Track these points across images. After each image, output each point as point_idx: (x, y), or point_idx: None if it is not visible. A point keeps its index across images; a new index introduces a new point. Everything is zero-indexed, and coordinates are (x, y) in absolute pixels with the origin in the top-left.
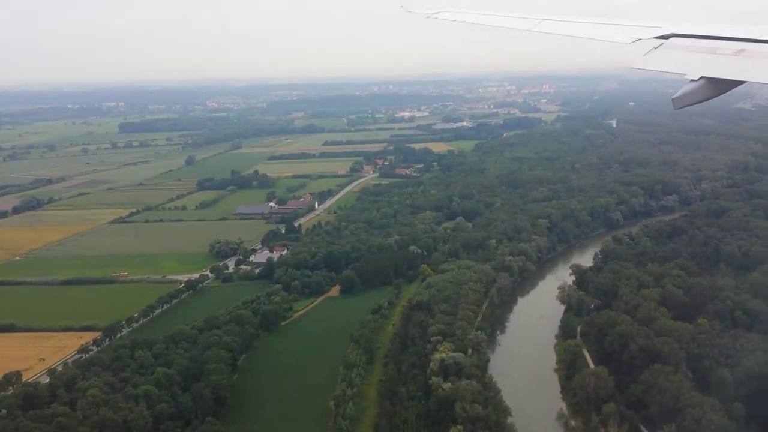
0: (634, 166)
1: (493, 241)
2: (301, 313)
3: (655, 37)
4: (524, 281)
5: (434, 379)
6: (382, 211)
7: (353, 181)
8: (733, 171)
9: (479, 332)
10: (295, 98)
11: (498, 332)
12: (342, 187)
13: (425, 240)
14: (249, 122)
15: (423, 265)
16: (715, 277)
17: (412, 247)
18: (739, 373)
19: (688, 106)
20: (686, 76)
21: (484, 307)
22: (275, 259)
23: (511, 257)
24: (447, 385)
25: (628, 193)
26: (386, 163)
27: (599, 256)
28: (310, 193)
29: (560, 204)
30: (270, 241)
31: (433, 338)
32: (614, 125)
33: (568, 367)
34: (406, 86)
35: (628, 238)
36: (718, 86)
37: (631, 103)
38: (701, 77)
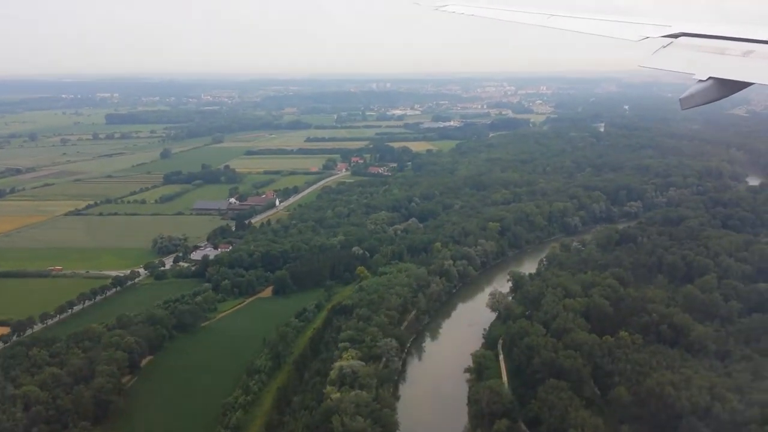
0: (606, 170)
1: (438, 245)
2: (225, 314)
3: (663, 36)
4: (465, 286)
5: (329, 388)
6: (336, 210)
7: (323, 179)
8: (705, 178)
9: (390, 339)
10: (290, 94)
11: (422, 340)
12: (310, 184)
13: (371, 241)
14: (237, 116)
15: (359, 267)
16: (648, 289)
17: (355, 248)
18: (641, 392)
19: (696, 106)
20: (694, 76)
21: (413, 313)
22: (211, 257)
23: (450, 261)
24: (336, 395)
25: (590, 199)
26: (361, 162)
27: (544, 263)
28: (274, 190)
29: (516, 208)
30: (215, 238)
31: (341, 344)
32: (601, 129)
33: (477, 379)
34: (405, 84)
35: (581, 245)
36: (726, 87)
37: (626, 107)
38: (709, 78)
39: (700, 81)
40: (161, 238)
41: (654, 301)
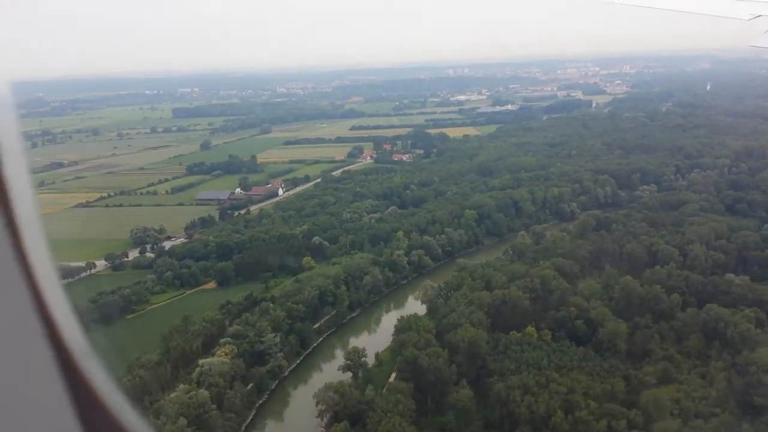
0: (638, 152)
1: (400, 233)
2: (156, 306)
3: None
4: (420, 278)
5: (183, 386)
6: (322, 199)
7: (344, 167)
8: (743, 158)
9: (275, 336)
10: (363, 83)
11: (339, 336)
12: (326, 172)
13: (337, 231)
14: (299, 107)
15: (305, 258)
16: (585, 280)
17: (315, 238)
18: (489, 395)
19: None
20: None
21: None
22: (166, 248)
23: (401, 252)
24: (173, 395)
25: (595, 183)
26: (390, 149)
27: (509, 252)
28: (284, 180)
29: (504, 194)
30: (193, 228)
31: (222, 340)
32: (665, 108)
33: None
34: (483, 69)
35: (562, 232)
36: None
37: (708, 86)
38: None
39: None
40: (137, 229)
41: (582, 293)
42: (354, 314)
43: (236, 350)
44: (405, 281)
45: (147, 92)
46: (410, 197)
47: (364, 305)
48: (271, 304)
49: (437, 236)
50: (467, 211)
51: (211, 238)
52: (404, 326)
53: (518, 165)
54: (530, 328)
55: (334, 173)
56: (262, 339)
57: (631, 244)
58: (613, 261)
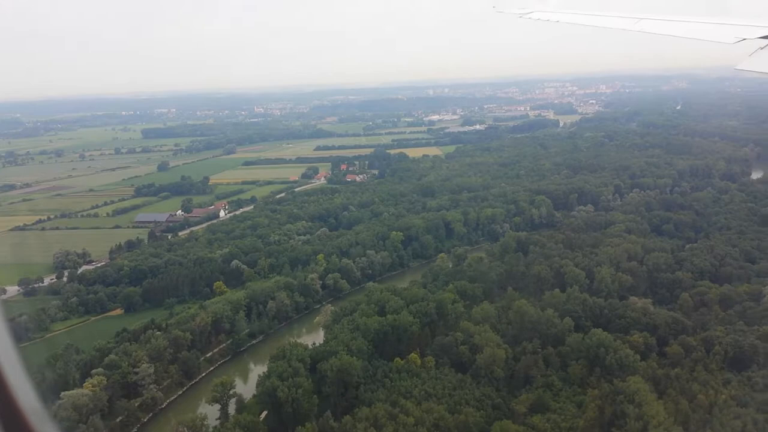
0: (586, 171)
1: (321, 256)
2: (55, 333)
3: (761, 37)
4: (336, 301)
5: None
6: (255, 221)
7: (296, 187)
8: (689, 177)
9: (148, 366)
10: (341, 103)
11: (233, 364)
12: (275, 193)
13: (258, 254)
14: (270, 127)
15: (216, 283)
16: (484, 304)
17: (234, 262)
18: (346, 424)
19: None
20: None
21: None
22: (77, 273)
23: (315, 275)
24: None
25: (530, 204)
26: (350, 169)
27: (428, 275)
28: (229, 201)
29: (435, 215)
30: (119, 252)
31: (94, 371)
32: (627, 128)
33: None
34: (463, 88)
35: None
36: None
37: (678, 106)
38: None
39: None
40: (60, 253)
41: (474, 318)
42: (255, 341)
43: (106, 381)
44: (319, 305)
45: (123, 113)
46: (347, 218)
47: (268, 332)
48: (158, 332)
49: (358, 259)
50: (393, 232)
51: (126, 262)
52: (277, 355)
53: (463, 185)
54: (413, 355)
55: (279, 195)
56: (136, 370)
57: (539, 267)
58: (521, 283)
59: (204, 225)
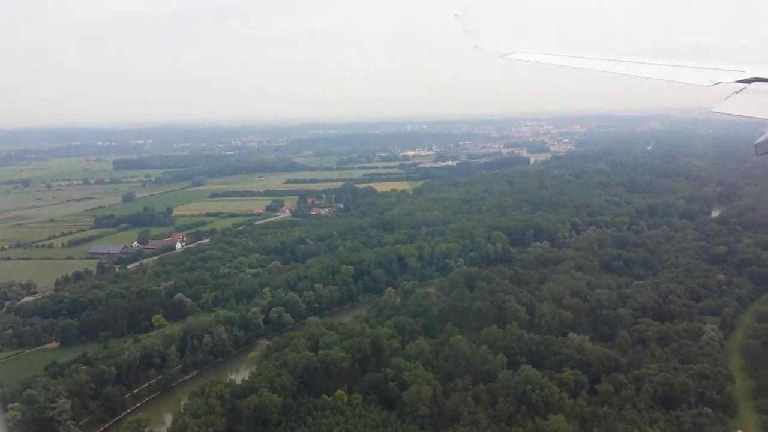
0: (547, 208)
1: (267, 290)
2: None
3: (736, 81)
4: (281, 335)
5: None
6: (210, 253)
7: (261, 220)
8: (647, 216)
9: (65, 401)
10: (320, 137)
11: (158, 401)
12: (237, 226)
13: (205, 287)
14: (244, 160)
15: (156, 316)
16: (420, 340)
17: (179, 295)
18: None
19: None
20: None
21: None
22: (17, 304)
23: (257, 309)
24: None
25: (486, 239)
26: (317, 202)
27: (373, 310)
28: (189, 233)
29: (391, 249)
30: (65, 283)
31: (10, 405)
32: (595, 167)
33: None
34: (442, 125)
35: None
36: None
37: (649, 147)
38: None
39: None
40: (3, 284)
41: (408, 354)
42: (189, 376)
43: (20, 416)
44: (260, 339)
45: (99, 144)
46: (302, 252)
47: (203, 366)
48: (83, 366)
49: (305, 292)
50: (344, 266)
51: (66, 294)
52: (196, 392)
53: (423, 220)
54: (340, 392)
55: (239, 228)
56: (53, 405)
57: (482, 302)
58: (463, 319)
59: (158, 257)
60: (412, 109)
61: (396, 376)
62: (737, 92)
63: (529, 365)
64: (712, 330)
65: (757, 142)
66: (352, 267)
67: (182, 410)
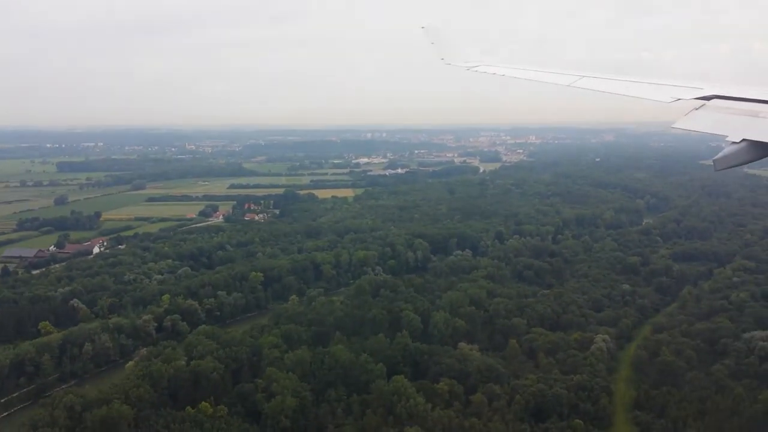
0: (478, 217)
1: (166, 297)
2: None
3: (696, 98)
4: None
5: None
6: (119, 258)
7: (189, 225)
8: (574, 226)
9: None
10: (276, 143)
11: (31, 411)
12: (165, 230)
13: (106, 293)
14: (194, 164)
15: (42, 322)
16: (301, 349)
17: (74, 301)
18: None
19: (730, 168)
20: (727, 138)
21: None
22: None
23: (150, 317)
24: None
25: (407, 247)
26: (255, 208)
27: (273, 318)
28: (111, 237)
29: (307, 256)
30: None
31: None
32: (545, 177)
33: None
34: (400, 134)
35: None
36: (760, 149)
37: (597, 159)
38: (743, 140)
39: (734, 143)
40: None
41: (285, 364)
42: (66, 385)
43: None
44: (144, 348)
45: (48, 145)
46: (220, 257)
47: (84, 375)
48: None
49: (206, 300)
50: (253, 273)
51: None
52: (46, 402)
53: (351, 227)
54: (205, 404)
55: (164, 233)
56: None
57: (376, 311)
58: (359, 328)
59: (66, 262)
60: (375, 117)
61: (266, 388)
62: (697, 109)
63: (402, 376)
64: (603, 341)
65: (716, 157)
66: (261, 274)
67: (24, 422)
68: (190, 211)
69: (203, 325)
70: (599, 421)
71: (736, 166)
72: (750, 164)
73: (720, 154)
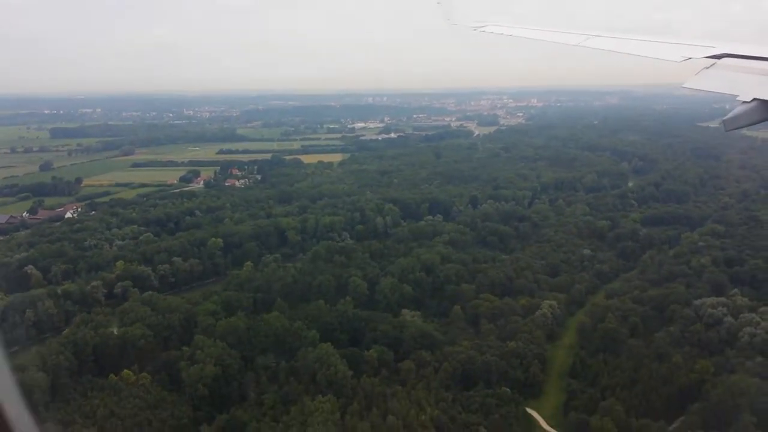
0: (457, 181)
1: (120, 263)
2: None
3: (706, 57)
4: None
5: None
6: (85, 224)
7: (171, 190)
8: (551, 190)
9: None
10: (274, 108)
11: None
12: (142, 196)
13: (53, 260)
14: (188, 130)
15: None
16: (237, 316)
17: (29, 267)
18: None
19: (740, 128)
20: (738, 98)
21: None
22: None
23: (99, 282)
24: None
25: (377, 212)
26: (235, 173)
27: (224, 284)
28: (84, 204)
29: (272, 222)
30: None
31: None
32: (537, 141)
33: None
34: (401, 98)
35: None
36: None
37: (595, 122)
38: (754, 99)
39: (744, 102)
40: None
41: (217, 332)
42: (8, 352)
43: None
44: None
45: (46, 112)
46: (188, 223)
47: (26, 342)
48: None
49: (160, 266)
50: (213, 239)
51: None
52: None
53: (327, 192)
54: (127, 371)
55: (143, 198)
56: None
57: (323, 277)
58: (306, 294)
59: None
60: (380, 83)
61: (191, 355)
62: (707, 68)
63: (330, 343)
64: (550, 307)
65: (725, 118)
66: (220, 240)
67: None
68: (173, 176)
69: (149, 292)
70: (529, 388)
71: (747, 126)
72: (751, 127)
73: (730, 115)
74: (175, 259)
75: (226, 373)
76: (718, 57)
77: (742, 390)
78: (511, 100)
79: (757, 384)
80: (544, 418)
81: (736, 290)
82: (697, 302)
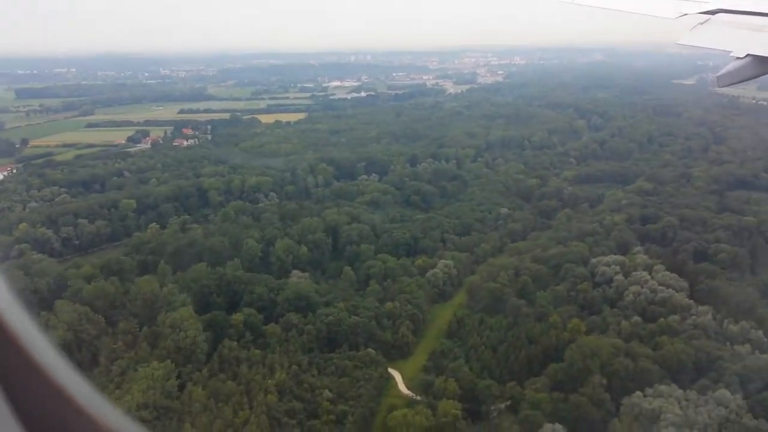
0: (406, 140)
1: (24, 225)
2: None
3: (701, 12)
4: None
5: None
6: (6, 186)
7: (117, 151)
8: (497, 148)
9: None
10: (252, 67)
11: None
12: (80, 157)
13: None
14: (156, 89)
15: None
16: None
17: None
18: None
19: (733, 84)
20: (732, 54)
21: None
22: None
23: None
24: None
25: (312, 172)
26: (189, 133)
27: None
28: (22, 165)
29: (195, 182)
30: None
31: None
32: (503, 99)
33: None
34: (384, 57)
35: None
36: (765, 64)
37: (570, 79)
38: (747, 55)
39: (738, 58)
40: None
41: (84, 298)
42: None
43: None
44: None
45: (20, 72)
46: (113, 184)
47: None
48: None
49: (63, 228)
50: (125, 200)
51: None
52: None
53: (270, 152)
54: None
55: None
56: None
57: (215, 239)
58: (197, 257)
59: None
60: (369, 42)
61: (47, 321)
62: (701, 23)
63: (190, 306)
64: (445, 266)
65: (719, 74)
66: (133, 201)
67: None
68: (124, 137)
69: (39, 255)
70: (398, 350)
71: (740, 82)
72: (744, 83)
73: (723, 70)
74: (81, 221)
75: (78, 338)
76: (713, 12)
77: (594, 351)
78: (495, 58)
79: (615, 344)
80: (406, 379)
81: (639, 248)
82: (594, 261)
